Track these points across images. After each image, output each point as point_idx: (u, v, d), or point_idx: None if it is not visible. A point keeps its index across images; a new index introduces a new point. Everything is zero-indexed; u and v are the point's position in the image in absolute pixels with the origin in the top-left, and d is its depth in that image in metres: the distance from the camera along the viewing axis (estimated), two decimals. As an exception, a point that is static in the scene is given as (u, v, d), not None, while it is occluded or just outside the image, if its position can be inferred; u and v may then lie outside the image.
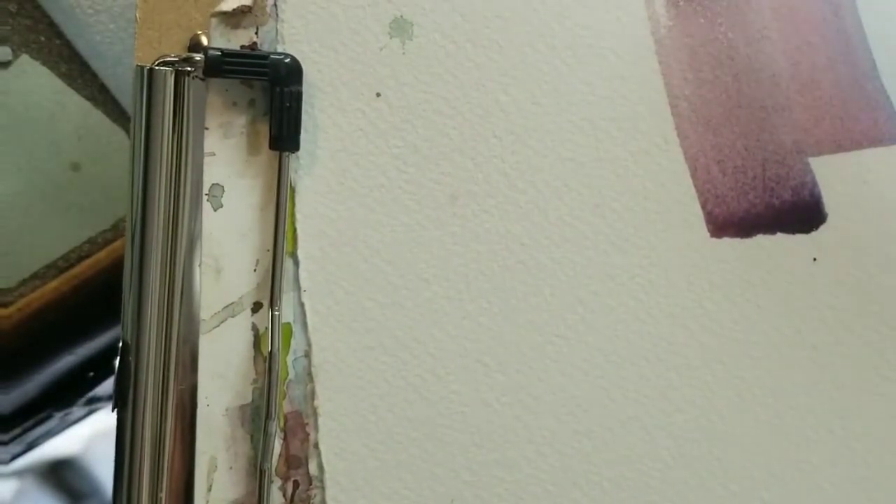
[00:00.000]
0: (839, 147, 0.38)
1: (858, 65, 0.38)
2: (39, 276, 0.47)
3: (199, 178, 0.35)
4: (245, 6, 0.35)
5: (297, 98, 0.34)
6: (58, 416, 0.53)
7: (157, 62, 0.34)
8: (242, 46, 0.35)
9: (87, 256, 0.47)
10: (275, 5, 0.35)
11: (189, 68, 0.34)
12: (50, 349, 0.49)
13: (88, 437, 0.64)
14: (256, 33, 0.35)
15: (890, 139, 0.38)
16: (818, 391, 0.38)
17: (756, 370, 0.38)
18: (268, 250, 0.35)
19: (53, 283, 0.47)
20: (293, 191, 0.35)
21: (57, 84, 0.45)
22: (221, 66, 0.34)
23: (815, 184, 0.38)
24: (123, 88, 0.46)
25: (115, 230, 0.47)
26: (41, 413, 0.52)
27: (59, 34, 0.45)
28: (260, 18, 0.35)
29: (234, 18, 0.35)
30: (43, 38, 0.45)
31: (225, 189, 0.35)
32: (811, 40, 0.38)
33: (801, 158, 0.38)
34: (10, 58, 0.45)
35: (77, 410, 0.54)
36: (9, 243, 0.46)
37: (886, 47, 0.38)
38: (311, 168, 0.35)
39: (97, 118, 0.46)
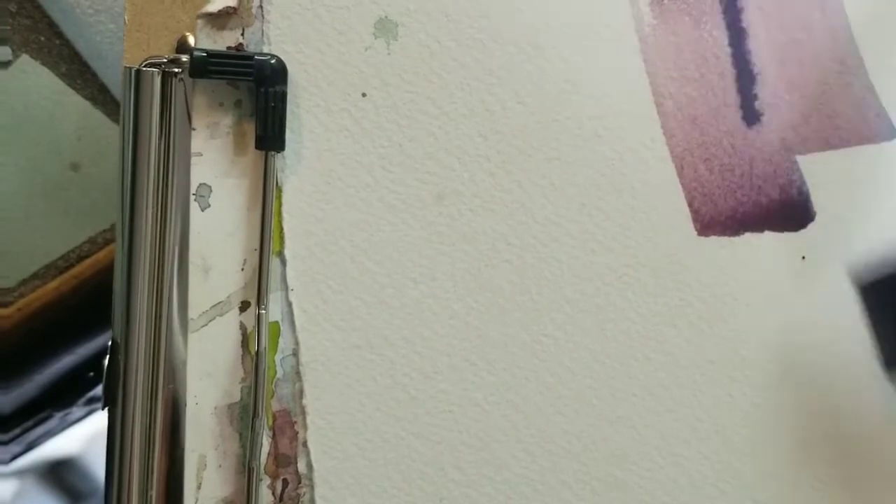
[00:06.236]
0: (827, 145, 0.38)
1: (846, 62, 0.38)
2: (39, 276, 0.47)
3: (186, 178, 0.35)
4: (230, 7, 0.35)
5: (282, 98, 0.34)
6: (58, 416, 0.53)
7: (144, 63, 0.34)
8: (228, 47, 0.35)
9: (87, 256, 0.47)
10: (260, 6, 0.35)
11: (176, 69, 0.34)
12: (50, 349, 0.49)
13: (88, 437, 0.64)
14: (242, 34, 0.35)
15: (878, 137, 0.38)
16: (810, 391, 0.38)
17: (745, 369, 0.37)
18: (255, 249, 0.35)
19: (53, 283, 0.47)
20: (280, 190, 0.35)
21: (57, 84, 0.46)
22: (207, 66, 0.34)
23: (803, 182, 0.38)
24: (123, 88, 0.46)
25: (115, 230, 0.47)
26: (41, 413, 0.52)
27: (59, 34, 0.45)
28: (245, 20, 0.35)
29: (220, 20, 0.35)
30: (43, 38, 0.45)
31: (212, 189, 0.35)
32: (798, 37, 0.38)
33: (788, 156, 0.37)
34: (10, 58, 0.45)
35: (77, 410, 0.54)
36: (9, 243, 0.46)
37: (874, 44, 0.38)
38: (297, 168, 0.35)
39: (97, 118, 0.46)
